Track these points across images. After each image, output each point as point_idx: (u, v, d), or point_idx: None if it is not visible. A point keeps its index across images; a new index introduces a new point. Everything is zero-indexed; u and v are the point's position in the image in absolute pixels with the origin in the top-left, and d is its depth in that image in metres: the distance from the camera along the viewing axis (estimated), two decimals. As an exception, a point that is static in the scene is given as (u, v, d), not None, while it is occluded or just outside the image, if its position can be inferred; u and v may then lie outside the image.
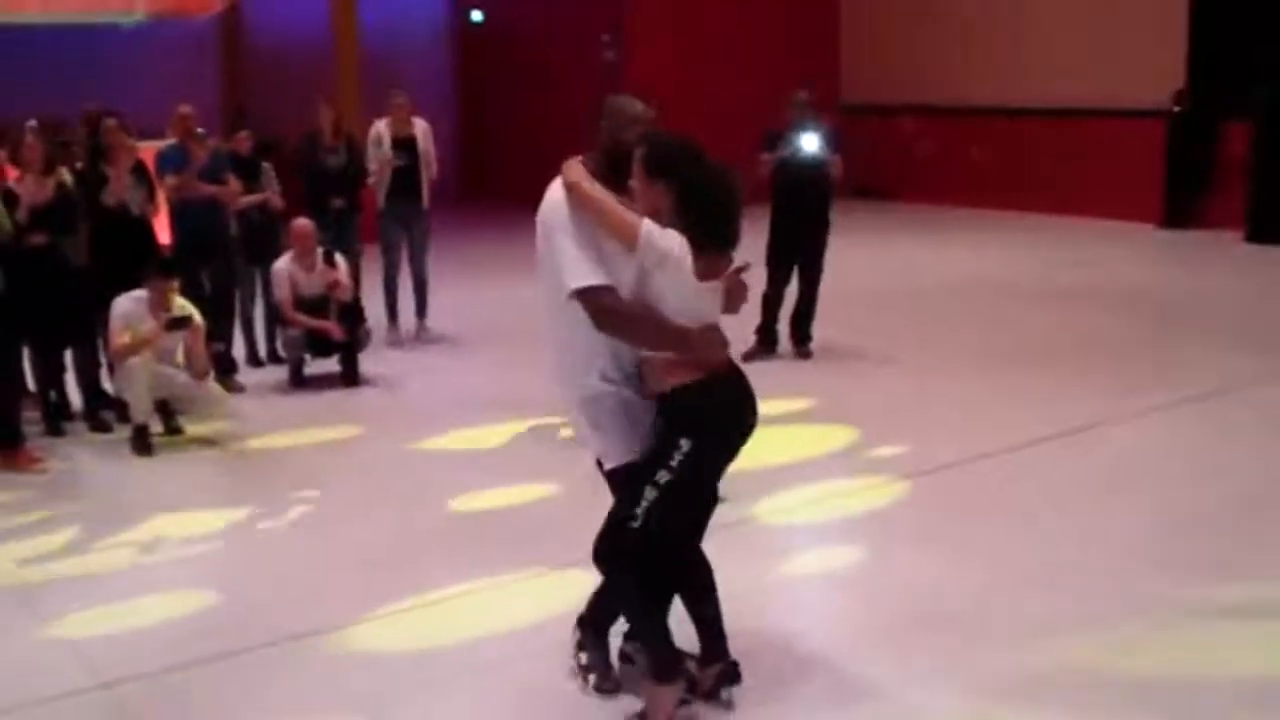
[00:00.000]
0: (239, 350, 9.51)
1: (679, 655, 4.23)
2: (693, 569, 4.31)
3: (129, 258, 7.87)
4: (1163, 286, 12.20)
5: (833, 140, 9.25)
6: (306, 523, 6.43)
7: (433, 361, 9.96)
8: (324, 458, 7.54)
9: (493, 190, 19.14)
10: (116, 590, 5.56)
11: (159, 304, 7.54)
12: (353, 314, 9.18)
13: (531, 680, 4.56)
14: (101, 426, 8.01)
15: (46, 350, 7.98)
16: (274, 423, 8.21)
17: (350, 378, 9.12)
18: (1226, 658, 4.63)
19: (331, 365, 9.18)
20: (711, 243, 3.90)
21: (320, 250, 9.04)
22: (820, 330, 9.60)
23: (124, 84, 14.35)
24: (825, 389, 8.63)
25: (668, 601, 4.27)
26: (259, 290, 9.56)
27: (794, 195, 9.25)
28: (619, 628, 4.50)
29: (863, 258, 13.04)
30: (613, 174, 4.01)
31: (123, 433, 7.77)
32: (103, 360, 8.16)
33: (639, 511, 4.00)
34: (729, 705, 4.29)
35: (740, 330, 9.10)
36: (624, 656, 4.50)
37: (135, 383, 7.49)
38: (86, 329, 8.08)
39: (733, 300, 4.11)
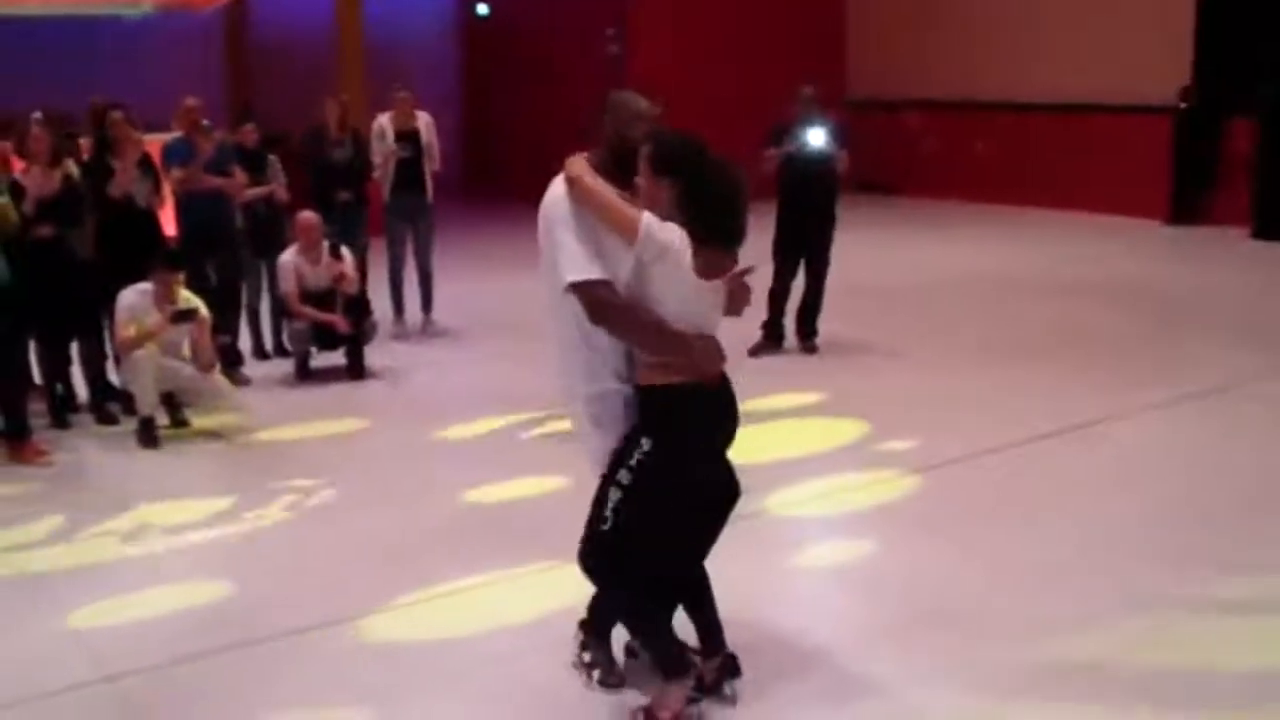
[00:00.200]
0: (245, 343, 9.52)
1: (684, 653, 4.23)
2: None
3: (135, 250, 7.87)
4: (1168, 282, 12.19)
5: (839, 135, 9.24)
6: (313, 516, 6.43)
7: (438, 355, 9.97)
8: (330, 450, 7.55)
9: (497, 184, 19.14)
10: (122, 582, 5.56)
11: (164, 296, 7.54)
12: (358, 307, 9.18)
13: (540, 673, 4.56)
14: (107, 419, 8.01)
15: (52, 342, 7.98)
16: (280, 415, 8.21)
17: (356, 371, 9.12)
18: (1229, 653, 4.63)
19: (337, 358, 9.18)
20: (715, 240, 3.88)
21: (326, 243, 9.05)
22: (826, 325, 9.60)
23: (130, 76, 14.35)
24: (832, 383, 8.63)
25: (668, 600, 4.26)
26: (265, 283, 9.57)
27: (800, 190, 9.25)
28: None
29: (869, 252, 13.03)
30: (617, 170, 4.00)
31: (128, 425, 7.77)
32: (109, 352, 8.17)
33: (607, 514, 4.02)
34: (732, 700, 4.29)
35: (746, 326, 9.14)
36: (630, 651, 4.50)
37: (141, 375, 7.49)
38: (92, 321, 8.09)
39: (735, 303, 4.09)
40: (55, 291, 7.63)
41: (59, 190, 7.70)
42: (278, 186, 9.54)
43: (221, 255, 9.08)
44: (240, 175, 9.13)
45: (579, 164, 4.01)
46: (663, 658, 4.17)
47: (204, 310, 7.70)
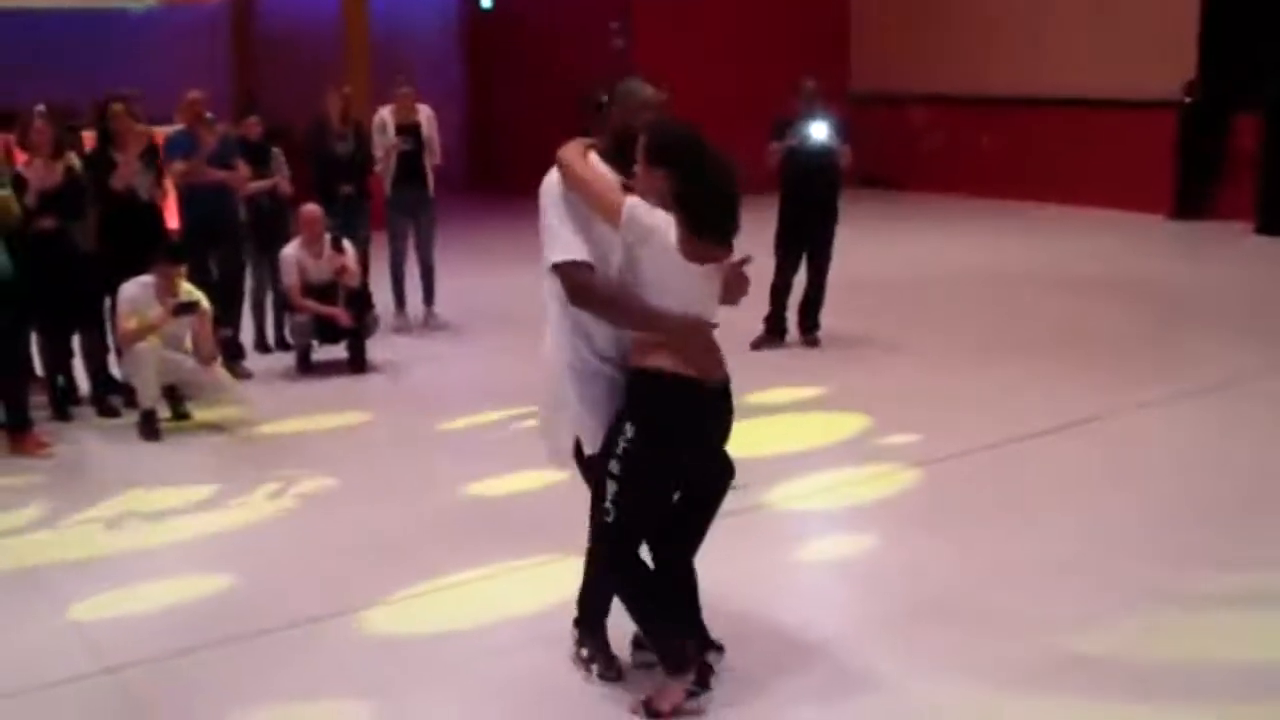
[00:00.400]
0: (246, 336, 9.52)
1: (687, 646, 4.23)
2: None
3: (137, 243, 7.87)
4: (1171, 278, 12.17)
5: (841, 129, 9.22)
6: (314, 509, 6.43)
7: (440, 348, 9.97)
8: (331, 444, 7.55)
9: (501, 178, 19.13)
10: (123, 574, 5.57)
11: (166, 289, 7.54)
12: (361, 300, 9.18)
13: (542, 666, 4.56)
14: (109, 411, 8.02)
15: (54, 335, 7.99)
16: (281, 409, 8.21)
17: (358, 364, 9.12)
18: (1227, 648, 4.62)
19: (339, 351, 9.18)
20: (708, 232, 3.90)
21: (328, 236, 9.04)
22: (828, 319, 9.59)
23: (135, 69, 14.34)
24: (833, 378, 8.62)
25: (676, 591, 4.25)
26: (268, 276, 9.57)
27: (803, 184, 9.24)
28: (615, 618, 4.50)
29: (871, 247, 13.02)
30: (621, 157, 4.04)
31: (130, 418, 7.78)
32: (110, 345, 8.17)
33: (608, 506, 4.05)
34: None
35: (748, 319, 9.15)
36: (637, 644, 4.50)
37: (143, 368, 7.50)
38: (94, 314, 8.09)
39: (731, 291, 4.09)
40: (57, 284, 7.63)
41: (61, 183, 7.70)
42: (281, 179, 9.53)
43: (224, 248, 9.07)
44: (243, 168, 9.11)
45: (572, 148, 4.07)
46: (666, 651, 4.18)
47: (205, 303, 7.70)
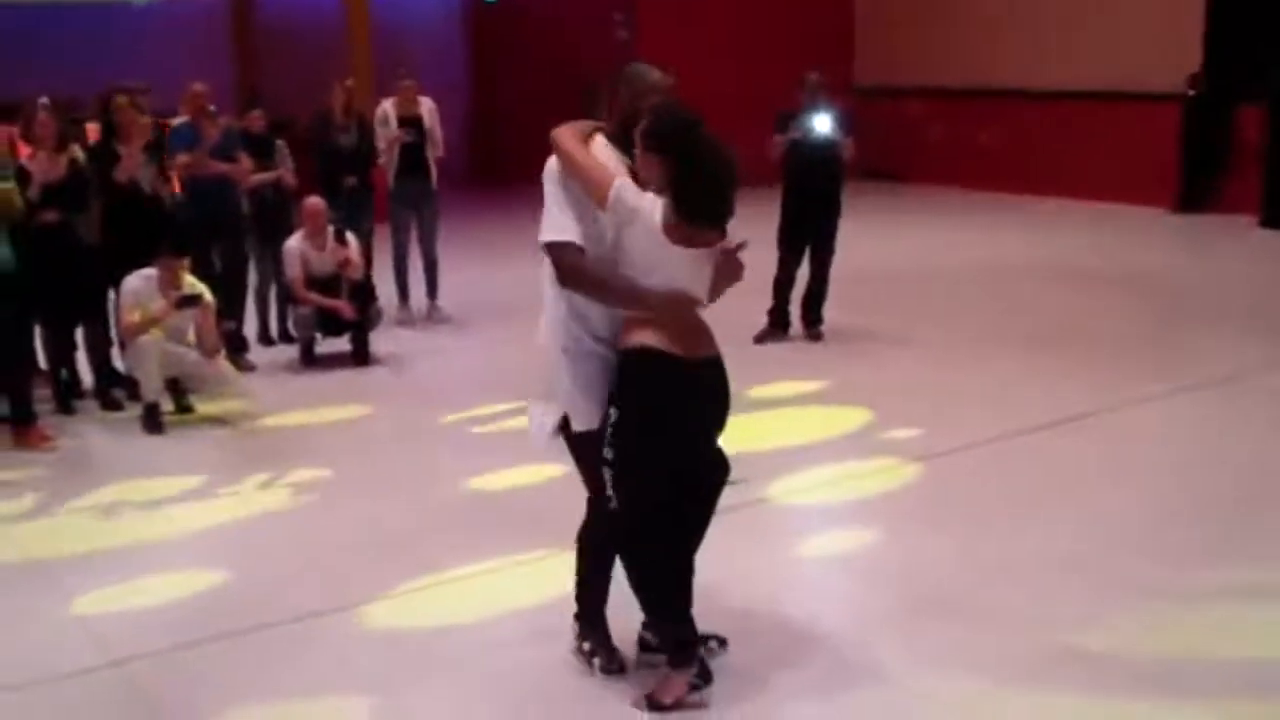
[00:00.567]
0: (250, 329, 9.52)
1: (694, 639, 4.24)
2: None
3: (140, 236, 7.87)
4: (1175, 272, 12.16)
5: (845, 122, 9.22)
6: (316, 502, 6.44)
7: (443, 341, 9.97)
8: (334, 437, 7.56)
9: (504, 170, 19.12)
10: (127, 568, 5.58)
11: (169, 282, 7.55)
12: (364, 293, 9.18)
13: (544, 660, 4.57)
14: (112, 404, 8.03)
15: (58, 328, 8.00)
16: (285, 401, 8.23)
17: (361, 357, 9.13)
18: (1228, 644, 4.63)
19: (342, 344, 9.19)
20: (699, 218, 3.92)
21: (331, 229, 9.05)
22: (832, 312, 9.59)
23: (137, 61, 14.32)
24: (837, 371, 8.62)
25: (684, 583, 4.26)
26: (270, 269, 9.57)
27: (806, 177, 9.24)
28: (617, 611, 4.51)
29: (875, 240, 13.01)
30: (627, 140, 4.06)
31: (134, 411, 7.79)
32: (114, 338, 8.18)
33: (610, 494, 4.07)
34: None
35: (752, 313, 9.15)
36: (643, 645, 4.51)
37: (146, 361, 7.51)
38: (98, 307, 8.10)
39: (723, 276, 4.08)
40: (60, 277, 7.64)
41: (65, 175, 7.70)
42: (285, 172, 9.54)
43: (227, 241, 9.08)
44: (246, 161, 9.12)
45: (566, 129, 4.10)
46: (672, 642, 4.19)
47: (208, 296, 7.71)
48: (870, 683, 4.39)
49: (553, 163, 4.09)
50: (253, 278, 9.58)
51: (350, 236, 9.16)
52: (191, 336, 7.71)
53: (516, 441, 7.21)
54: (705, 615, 4.34)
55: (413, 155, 10.26)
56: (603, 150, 4.10)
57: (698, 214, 3.90)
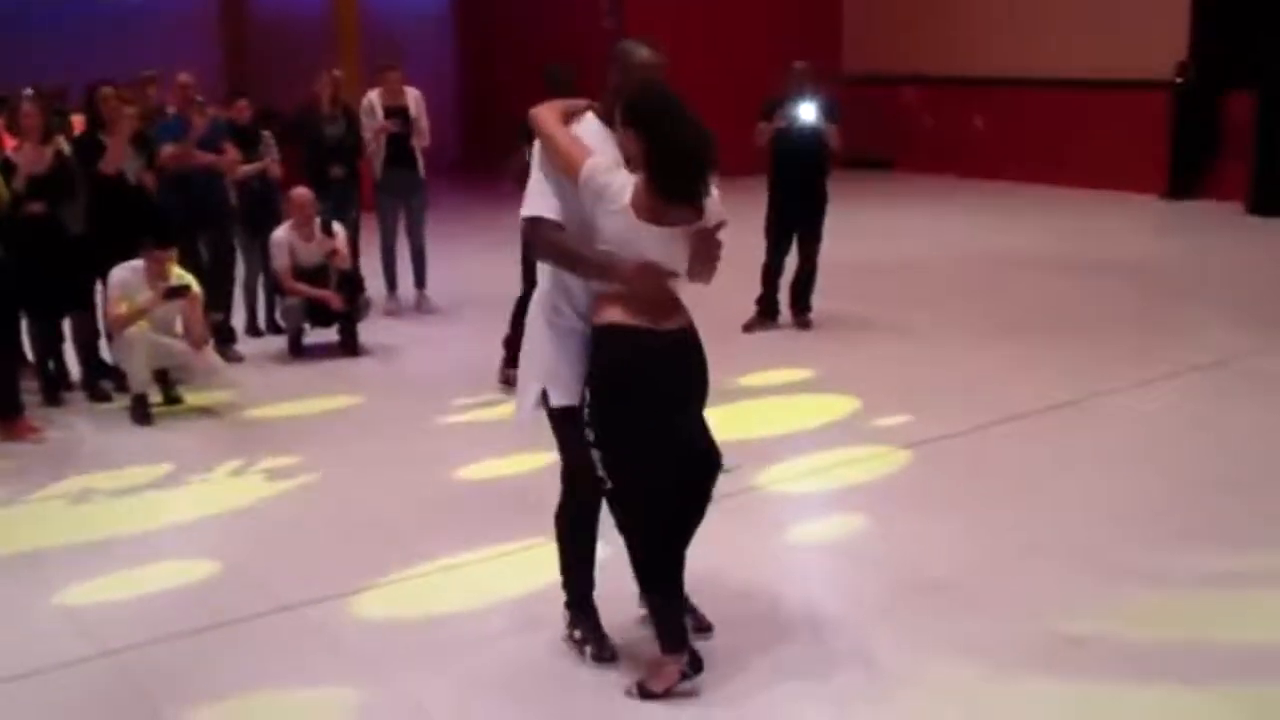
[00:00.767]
0: (238, 319, 9.50)
1: (685, 629, 4.24)
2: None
3: (127, 227, 7.84)
4: (1164, 257, 12.19)
5: (830, 110, 9.21)
6: (305, 492, 6.43)
7: (432, 331, 9.96)
8: (324, 427, 7.55)
9: (493, 159, 19.08)
10: (117, 559, 5.56)
11: (156, 273, 7.53)
12: (352, 283, 9.16)
13: (535, 649, 4.57)
14: (100, 396, 8.01)
15: (44, 319, 7.97)
16: (273, 392, 8.21)
17: (349, 347, 9.11)
18: (1220, 628, 4.64)
19: (330, 335, 9.18)
20: (670, 195, 3.92)
21: (318, 219, 9.02)
22: (820, 300, 9.59)
23: (124, 52, 14.27)
24: (826, 359, 8.62)
25: (677, 571, 4.25)
26: (258, 259, 9.55)
27: (792, 165, 9.24)
28: (608, 602, 4.51)
29: (864, 228, 13.02)
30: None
31: (121, 402, 7.77)
32: (101, 330, 8.15)
33: (601, 474, 4.08)
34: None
35: (740, 301, 9.15)
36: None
37: (133, 352, 7.49)
38: (85, 298, 8.07)
39: (699, 257, 4.04)
40: (47, 268, 7.61)
41: (50, 167, 7.67)
42: (271, 162, 9.52)
43: (214, 232, 9.06)
44: (232, 152, 9.10)
45: (546, 107, 4.13)
46: (666, 627, 4.19)
47: (196, 287, 7.68)
48: (860, 668, 4.39)
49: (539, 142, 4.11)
50: (240, 269, 9.55)
51: (337, 227, 9.14)
52: (179, 327, 7.69)
53: (505, 431, 7.24)
54: (695, 602, 4.34)
55: (399, 145, 10.23)
56: (593, 129, 4.09)
57: (670, 190, 3.90)
